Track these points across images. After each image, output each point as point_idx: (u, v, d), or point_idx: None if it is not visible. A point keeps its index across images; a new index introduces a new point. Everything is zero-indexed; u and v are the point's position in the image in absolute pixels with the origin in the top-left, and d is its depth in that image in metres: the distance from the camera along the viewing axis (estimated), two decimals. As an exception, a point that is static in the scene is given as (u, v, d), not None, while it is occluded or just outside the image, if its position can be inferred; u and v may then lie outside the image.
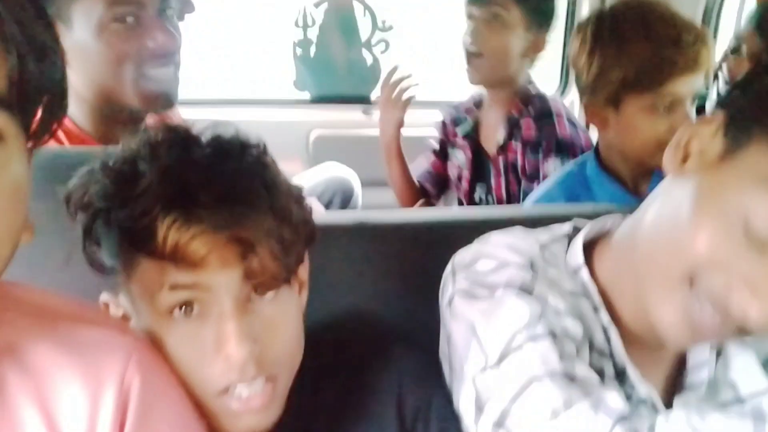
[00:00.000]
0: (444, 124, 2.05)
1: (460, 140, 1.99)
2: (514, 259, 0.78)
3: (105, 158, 0.76)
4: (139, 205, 0.70)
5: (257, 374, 0.73)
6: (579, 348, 0.74)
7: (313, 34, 2.53)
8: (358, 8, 2.54)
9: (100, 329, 0.70)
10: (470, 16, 1.86)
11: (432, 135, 2.10)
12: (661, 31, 1.26)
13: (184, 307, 0.73)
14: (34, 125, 0.60)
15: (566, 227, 0.85)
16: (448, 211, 1.22)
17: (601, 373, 0.75)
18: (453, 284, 0.81)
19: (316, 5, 2.47)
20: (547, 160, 1.77)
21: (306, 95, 2.60)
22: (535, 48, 1.85)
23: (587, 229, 0.84)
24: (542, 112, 1.82)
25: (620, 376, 0.77)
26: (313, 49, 2.56)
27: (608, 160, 1.41)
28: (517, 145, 1.85)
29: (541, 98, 1.86)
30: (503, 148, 1.87)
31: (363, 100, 2.59)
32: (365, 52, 2.61)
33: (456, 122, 2.01)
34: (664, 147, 0.73)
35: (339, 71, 2.61)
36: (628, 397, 0.74)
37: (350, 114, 2.56)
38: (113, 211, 0.73)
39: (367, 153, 2.15)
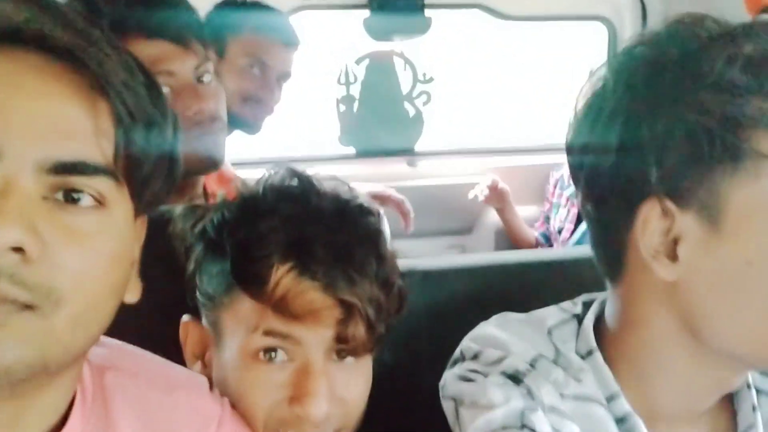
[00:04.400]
0: (553, 188, 2.48)
1: (564, 200, 2.37)
2: (520, 350, 0.75)
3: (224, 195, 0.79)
4: (258, 247, 0.72)
5: (324, 430, 0.75)
6: None
7: (355, 90, 2.58)
8: (398, 63, 2.58)
9: (191, 395, 0.71)
10: None
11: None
12: None
13: (268, 350, 0.74)
14: (145, 193, 0.60)
15: (577, 306, 0.81)
16: (498, 255, 1.22)
17: None
18: (454, 369, 0.79)
19: (358, 62, 2.53)
20: None
21: (351, 150, 2.64)
22: None
23: (596, 308, 0.79)
24: None
25: None
26: (356, 105, 2.60)
27: None
28: None
29: None
30: None
31: (407, 152, 2.62)
32: (407, 105, 2.64)
33: (560, 186, 2.43)
34: None
35: (382, 125, 2.65)
36: None
37: (395, 167, 2.59)
38: (229, 246, 0.75)
39: (412, 204, 2.17)
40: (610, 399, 0.72)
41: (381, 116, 2.62)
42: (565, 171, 2.44)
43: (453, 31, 2.72)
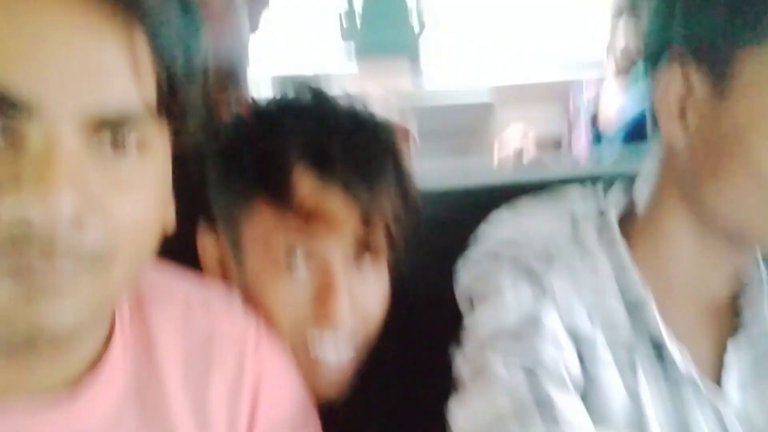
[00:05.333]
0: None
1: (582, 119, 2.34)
2: (533, 239, 0.75)
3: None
4: (277, 155, 0.73)
5: (346, 334, 0.76)
6: (589, 350, 0.71)
7: (358, 5, 2.52)
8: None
9: (226, 311, 0.70)
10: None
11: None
12: None
13: (291, 256, 0.74)
14: (185, 127, 0.56)
15: (598, 197, 0.80)
16: (506, 174, 1.20)
17: (632, 359, 0.71)
18: (467, 255, 0.79)
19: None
20: None
21: (354, 65, 2.59)
22: None
23: (623, 197, 0.78)
24: None
25: (659, 352, 0.72)
26: (359, 21, 2.54)
27: None
28: None
29: None
30: None
31: (412, 55, 2.58)
32: (413, 20, 2.58)
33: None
34: None
35: (385, 41, 2.59)
36: (668, 377, 0.71)
37: (399, 83, 2.54)
38: (248, 157, 0.75)
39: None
40: (626, 289, 0.73)
41: (384, 32, 2.56)
42: (586, 93, 2.39)
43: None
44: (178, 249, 0.78)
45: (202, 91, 0.57)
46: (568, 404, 0.67)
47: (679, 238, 0.73)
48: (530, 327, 0.70)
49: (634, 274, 0.73)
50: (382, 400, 0.83)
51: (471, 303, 0.76)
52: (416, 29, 2.60)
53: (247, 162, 0.75)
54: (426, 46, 2.62)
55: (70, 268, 0.48)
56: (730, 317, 0.77)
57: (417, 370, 0.82)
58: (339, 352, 0.77)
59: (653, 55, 0.70)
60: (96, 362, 0.58)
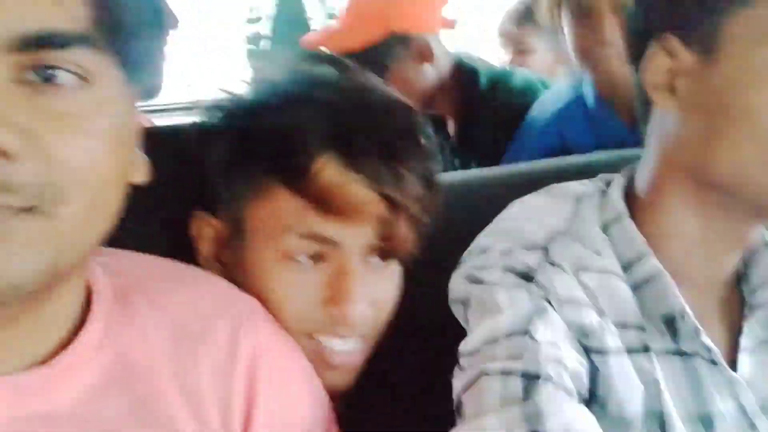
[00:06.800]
0: None
1: None
2: (532, 233, 0.72)
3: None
4: (297, 137, 0.67)
5: (357, 335, 0.72)
6: (598, 342, 0.68)
7: (264, 28, 2.50)
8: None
9: (216, 287, 0.65)
10: None
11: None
12: None
13: (303, 247, 0.69)
14: (133, 55, 0.50)
15: (599, 182, 0.78)
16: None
17: (643, 340, 0.70)
18: (461, 268, 0.74)
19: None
20: None
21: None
22: None
23: (622, 179, 0.77)
24: None
25: (671, 328, 0.70)
26: (263, 43, 2.52)
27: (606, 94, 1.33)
28: None
29: None
30: None
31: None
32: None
33: None
34: None
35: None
36: (683, 355, 0.70)
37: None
38: (263, 137, 0.69)
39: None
40: (632, 265, 0.71)
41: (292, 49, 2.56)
42: None
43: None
44: (170, 239, 0.72)
45: (147, 8, 0.53)
46: (572, 414, 0.63)
47: (683, 216, 0.71)
48: (528, 340, 0.66)
49: (643, 246, 0.71)
50: (389, 390, 0.80)
51: (464, 309, 0.72)
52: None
53: (264, 141, 0.69)
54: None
55: (7, 205, 0.44)
56: (738, 298, 0.76)
57: (422, 364, 0.77)
58: (347, 345, 0.73)
59: (636, 49, 0.72)
60: (73, 340, 0.54)
